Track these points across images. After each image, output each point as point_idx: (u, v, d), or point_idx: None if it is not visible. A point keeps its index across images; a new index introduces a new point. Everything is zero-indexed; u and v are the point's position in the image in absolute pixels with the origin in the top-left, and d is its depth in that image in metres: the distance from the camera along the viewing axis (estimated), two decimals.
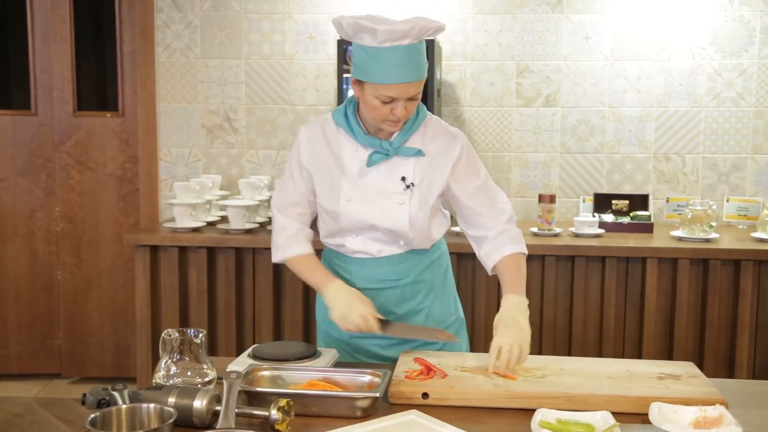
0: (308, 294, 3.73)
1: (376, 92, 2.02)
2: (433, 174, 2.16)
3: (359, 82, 2.06)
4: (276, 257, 2.26)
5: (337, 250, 2.27)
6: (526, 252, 2.22)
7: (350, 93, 3.77)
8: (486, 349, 2.01)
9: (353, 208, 2.15)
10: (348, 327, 2.08)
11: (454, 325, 2.36)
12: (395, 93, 2.01)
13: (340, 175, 2.16)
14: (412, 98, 2.04)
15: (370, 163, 2.14)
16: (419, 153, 2.15)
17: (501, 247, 2.17)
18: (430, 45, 3.61)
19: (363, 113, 2.14)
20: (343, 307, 2.08)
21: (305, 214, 2.25)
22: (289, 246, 2.22)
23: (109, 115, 4.48)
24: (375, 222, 2.15)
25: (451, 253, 2.45)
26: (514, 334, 1.98)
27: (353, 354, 2.29)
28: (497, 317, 2.06)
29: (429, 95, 3.66)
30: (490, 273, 2.24)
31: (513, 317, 2.03)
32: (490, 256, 2.20)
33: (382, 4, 4.15)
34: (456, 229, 3.66)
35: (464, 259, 3.58)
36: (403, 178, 2.15)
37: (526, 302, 2.10)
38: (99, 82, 4.59)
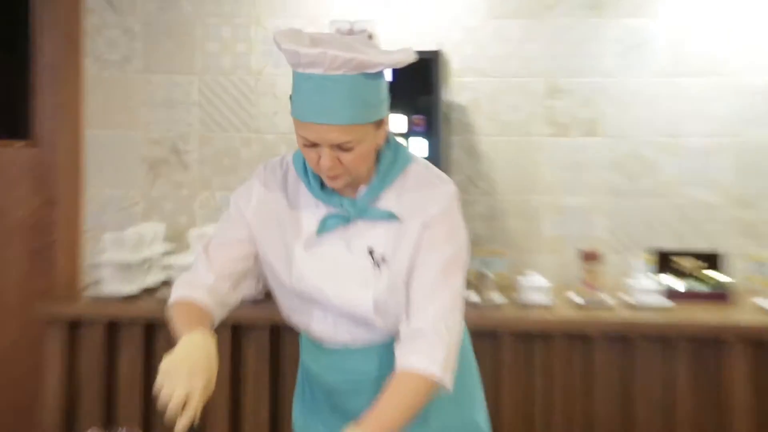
0: (276, 386, 3.36)
1: (297, 129, 1.77)
2: (404, 240, 1.85)
3: None
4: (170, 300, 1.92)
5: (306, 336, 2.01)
6: (437, 374, 1.76)
7: None
8: None
9: (305, 286, 1.86)
10: (164, 391, 1.63)
11: None
12: (312, 135, 1.72)
13: (293, 241, 1.87)
14: (341, 147, 1.72)
15: (322, 229, 1.83)
16: (392, 216, 1.83)
17: (406, 356, 1.79)
18: (434, 57, 3.31)
19: None
20: (178, 364, 1.65)
21: (235, 265, 1.88)
22: (185, 288, 1.84)
23: (18, 144, 4.04)
24: (333, 305, 1.88)
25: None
26: None
27: None
28: None
29: (434, 121, 3.36)
30: None
31: None
32: (396, 360, 1.85)
33: (373, 7, 3.84)
34: None
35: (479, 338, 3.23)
36: (371, 252, 1.83)
37: None
38: (6, 103, 4.12)
